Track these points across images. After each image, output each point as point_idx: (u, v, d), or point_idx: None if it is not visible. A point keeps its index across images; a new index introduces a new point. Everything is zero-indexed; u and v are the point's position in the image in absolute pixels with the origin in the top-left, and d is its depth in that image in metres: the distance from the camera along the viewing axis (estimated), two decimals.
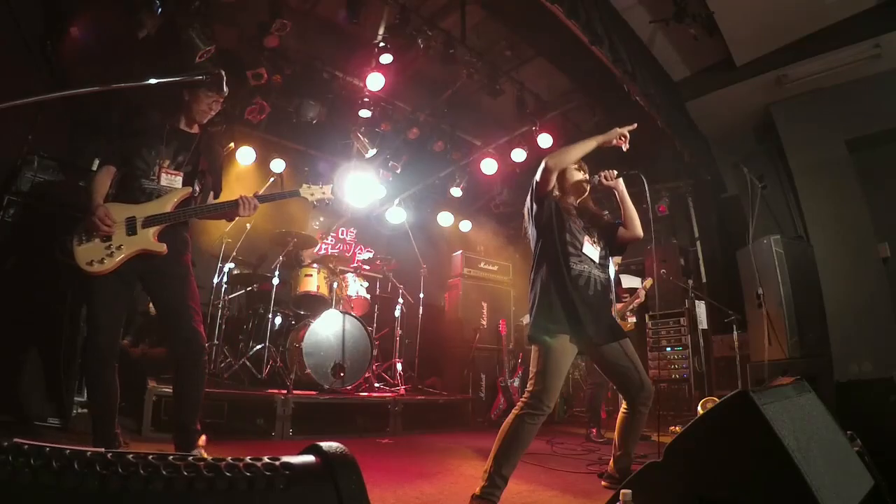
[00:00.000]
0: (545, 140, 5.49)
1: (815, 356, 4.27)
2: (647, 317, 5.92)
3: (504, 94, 5.13)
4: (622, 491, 1.33)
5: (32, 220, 2.91)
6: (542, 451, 3.57)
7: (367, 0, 4.11)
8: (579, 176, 2.45)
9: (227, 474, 0.50)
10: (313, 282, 4.81)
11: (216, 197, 2.56)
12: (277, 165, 5.99)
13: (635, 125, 2.38)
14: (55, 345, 2.86)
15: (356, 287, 5.15)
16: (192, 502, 0.48)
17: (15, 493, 0.42)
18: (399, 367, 5.15)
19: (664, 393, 5.41)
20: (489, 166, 6.21)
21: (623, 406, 2.39)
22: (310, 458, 0.58)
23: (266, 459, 0.54)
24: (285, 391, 3.82)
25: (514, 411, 2.13)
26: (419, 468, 2.95)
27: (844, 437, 1.70)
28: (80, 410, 3.13)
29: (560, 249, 2.27)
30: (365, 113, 5.37)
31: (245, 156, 5.70)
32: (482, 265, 6.57)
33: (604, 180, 2.44)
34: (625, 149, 2.35)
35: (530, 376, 2.18)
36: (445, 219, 7.51)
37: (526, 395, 2.14)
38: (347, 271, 5.32)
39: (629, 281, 5.46)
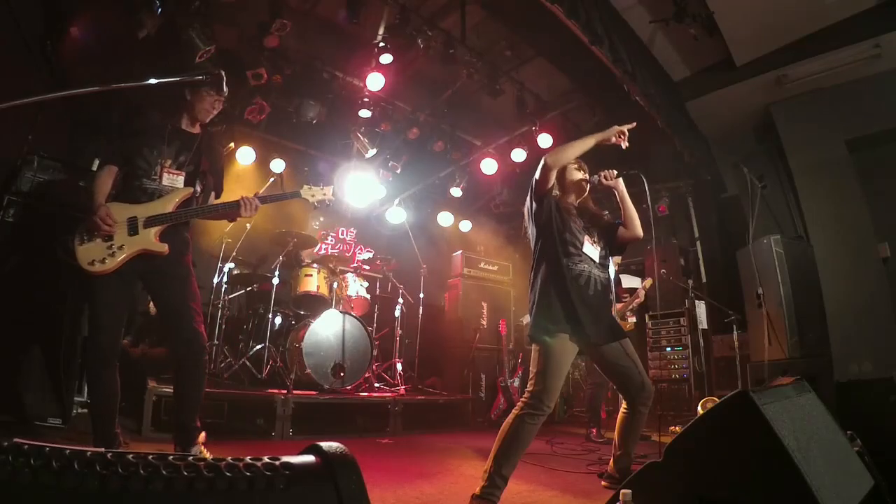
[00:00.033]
0: (545, 140, 5.49)
1: (815, 356, 4.27)
2: (647, 317, 5.92)
3: (504, 94, 5.13)
4: (622, 491, 1.33)
5: (32, 220, 2.91)
6: (542, 451, 3.57)
7: (367, 0, 4.11)
8: (579, 175, 2.45)
9: (227, 474, 0.50)
10: (313, 282, 4.81)
11: (217, 197, 2.56)
12: (277, 165, 5.99)
13: (634, 123, 2.38)
14: (55, 345, 2.86)
15: (356, 287, 5.15)
16: (192, 502, 0.48)
17: (15, 493, 0.42)
18: (399, 367, 5.15)
19: (664, 393, 5.41)
20: (489, 166, 6.21)
21: (623, 406, 2.39)
22: (310, 458, 0.58)
23: (266, 459, 0.54)
24: (285, 391, 3.82)
25: (515, 411, 2.13)
26: (419, 468, 2.95)
27: (844, 437, 1.70)
28: (80, 410, 3.13)
29: (560, 249, 2.27)
30: (365, 113, 5.37)
31: (245, 156, 5.70)
32: (482, 265, 6.57)
33: (604, 180, 2.44)
34: (624, 146, 2.35)
35: (530, 376, 2.18)
36: (445, 219, 7.51)
37: (526, 395, 2.14)
38: (347, 271, 5.32)
39: (629, 281, 5.46)
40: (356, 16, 4.06)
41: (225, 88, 2.40)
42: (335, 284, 4.77)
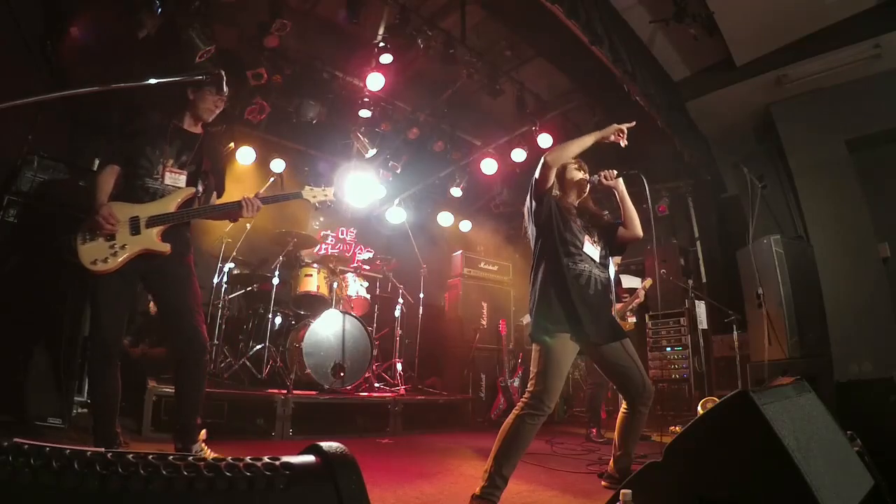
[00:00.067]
0: (545, 140, 5.49)
1: (815, 356, 4.27)
2: (647, 317, 5.92)
3: (504, 94, 5.13)
4: (622, 491, 1.32)
5: (32, 220, 2.91)
6: (542, 451, 3.57)
7: (367, 0, 4.11)
8: (579, 175, 2.45)
9: (227, 474, 0.50)
10: (313, 282, 4.81)
11: (219, 197, 2.57)
12: (277, 165, 5.99)
13: (633, 123, 2.38)
14: (55, 345, 2.86)
15: (356, 287, 5.15)
16: (192, 502, 0.48)
17: (15, 493, 0.42)
18: (399, 367, 5.15)
19: (664, 393, 5.41)
20: (489, 166, 6.21)
21: (623, 406, 2.38)
22: (310, 458, 0.58)
23: (266, 459, 0.54)
24: (285, 391, 3.82)
25: (515, 411, 2.13)
26: (419, 468, 2.95)
27: (844, 437, 1.70)
28: (80, 410, 3.13)
29: (560, 248, 2.27)
30: (365, 113, 5.37)
31: (245, 156, 5.70)
32: (482, 265, 6.57)
33: (603, 180, 2.44)
34: (623, 144, 2.35)
35: (531, 376, 2.18)
36: (445, 219, 7.51)
37: (526, 395, 2.14)
38: (347, 271, 5.32)
39: (629, 281, 5.46)
40: (356, 16, 4.06)
41: (225, 88, 2.41)
42: (335, 284, 4.77)
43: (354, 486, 0.56)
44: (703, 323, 5.50)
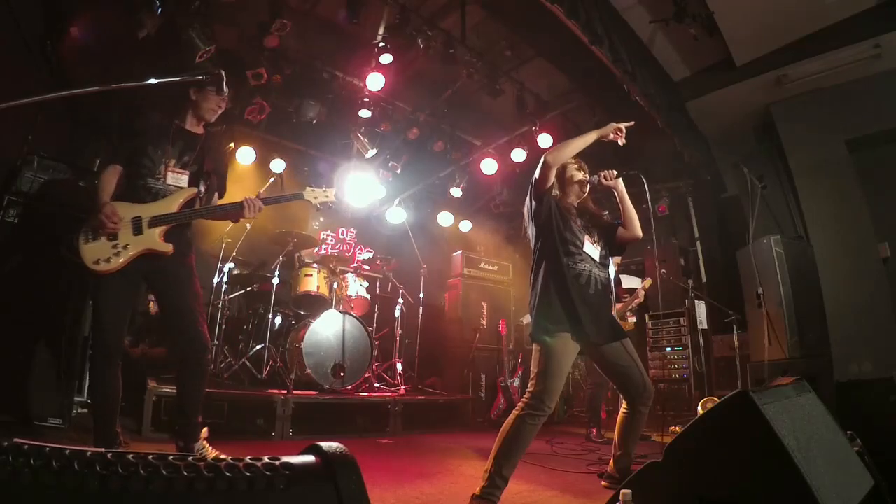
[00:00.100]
0: (545, 140, 5.49)
1: (815, 356, 4.27)
2: (647, 317, 5.92)
3: (504, 94, 5.13)
4: (622, 491, 1.33)
5: (32, 220, 2.91)
6: (542, 451, 3.57)
7: (367, 0, 4.11)
8: (579, 176, 2.45)
9: (227, 474, 0.50)
10: (313, 282, 4.81)
11: (221, 198, 2.58)
12: (277, 165, 5.99)
13: (632, 122, 2.38)
14: (56, 345, 2.87)
15: (356, 287, 5.15)
16: (192, 502, 0.48)
17: (15, 493, 0.42)
18: (399, 367, 5.15)
19: (664, 393, 5.40)
20: (489, 166, 6.21)
21: (623, 406, 2.38)
22: (310, 458, 0.58)
23: (266, 459, 0.54)
24: (285, 391, 3.82)
25: (515, 412, 2.13)
26: (419, 468, 2.95)
27: (844, 437, 1.70)
28: (80, 410, 3.13)
29: (560, 248, 2.27)
30: (365, 113, 5.37)
31: (245, 156, 5.70)
32: (482, 265, 6.57)
33: (603, 180, 2.44)
34: (621, 143, 2.35)
35: (531, 377, 2.18)
36: (445, 219, 7.51)
37: (527, 395, 2.14)
38: (347, 271, 5.32)
39: (629, 281, 5.46)
40: (356, 16, 4.05)
41: (226, 88, 2.41)
42: (335, 284, 4.77)
43: (354, 486, 0.56)
44: (703, 323, 5.50)
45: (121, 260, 2.18)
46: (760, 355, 4.53)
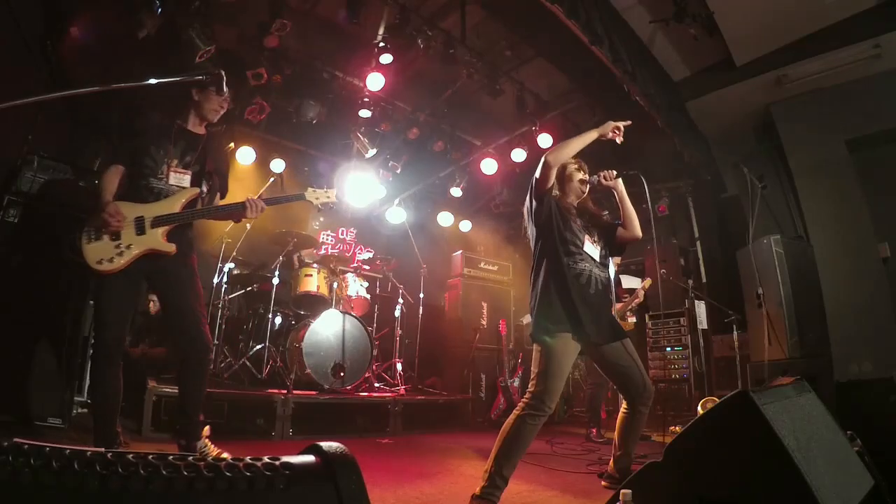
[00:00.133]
0: (545, 140, 5.49)
1: (815, 356, 4.27)
2: (647, 317, 5.92)
3: (504, 94, 5.13)
4: (622, 491, 1.32)
5: (32, 220, 2.91)
6: (542, 451, 3.57)
7: (367, 0, 4.11)
8: (579, 176, 2.45)
9: (227, 474, 0.50)
10: (313, 282, 4.81)
11: (222, 198, 2.59)
12: (277, 165, 5.99)
13: (629, 122, 2.38)
14: (56, 344, 2.87)
15: (356, 287, 5.15)
16: (192, 502, 0.48)
17: (15, 493, 0.42)
18: (399, 367, 5.15)
19: (664, 393, 5.40)
20: (489, 166, 6.21)
21: (623, 406, 2.38)
22: (310, 458, 0.58)
23: (266, 459, 0.54)
24: (285, 391, 3.82)
25: (516, 412, 2.13)
26: (419, 468, 2.95)
27: (844, 437, 1.70)
28: (80, 410, 3.14)
29: (560, 248, 2.27)
30: (365, 113, 5.37)
31: (245, 156, 5.70)
32: (482, 265, 6.57)
33: (603, 180, 2.44)
34: (619, 141, 2.35)
35: (532, 377, 2.18)
36: (445, 219, 7.51)
37: (527, 395, 2.14)
38: (347, 271, 5.32)
39: (629, 281, 5.46)
40: (356, 16, 4.05)
41: (226, 88, 2.41)
42: (335, 284, 4.77)
43: (354, 486, 0.56)
44: (703, 323, 5.50)
45: (124, 260, 2.19)
46: (760, 355, 4.53)
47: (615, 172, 2.45)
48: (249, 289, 5.06)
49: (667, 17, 4.12)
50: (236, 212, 2.42)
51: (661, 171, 6.08)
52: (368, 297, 5.35)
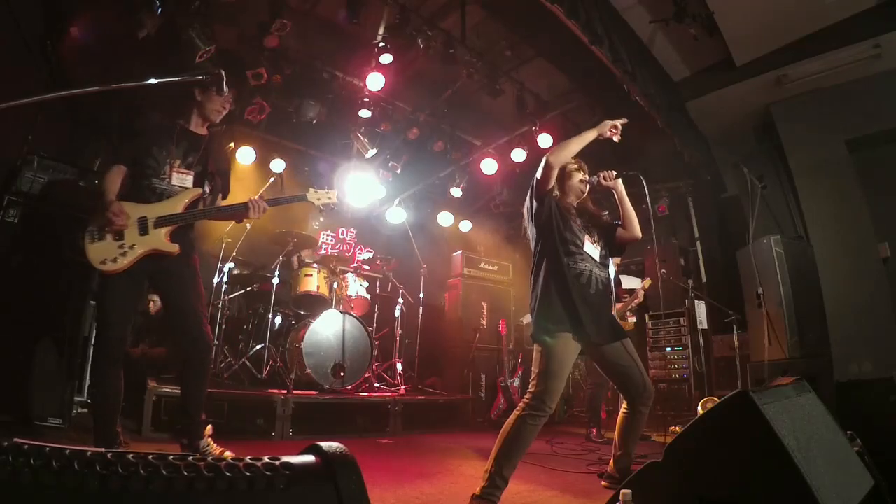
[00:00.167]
0: (545, 140, 5.49)
1: (815, 356, 4.27)
2: (647, 317, 5.91)
3: (504, 94, 5.12)
4: (622, 491, 1.32)
5: (32, 220, 2.91)
6: (542, 451, 3.57)
7: (367, 0, 4.11)
8: (579, 176, 2.45)
9: (227, 474, 0.50)
10: (313, 282, 4.81)
11: (224, 198, 2.60)
12: (277, 165, 5.99)
13: (626, 119, 2.38)
14: (56, 345, 2.87)
15: (356, 287, 5.15)
16: (192, 502, 0.48)
17: (15, 493, 0.42)
18: (399, 367, 5.15)
19: (664, 393, 5.40)
20: (489, 166, 6.21)
21: (623, 406, 2.38)
22: (310, 458, 0.58)
23: (266, 459, 0.54)
24: (285, 391, 3.82)
25: (516, 412, 2.13)
26: (419, 468, 2.95)
27: (844, 437, 1.70)
28: (80, 410, 3.14)
29: (561, 248, 2.27)
30: (365, 113, 5.37)
31: (245, 156, 5.70)
32: (482, 265, 6.57)
33: (603, 181, 2.44)
34: (616, 139, 2.36)
35: (532, 377, 2.18)
36: (445, 219, 7.51)
37: (528, 395, 2.14)
38: (347, 271, 5.32)
39: (629, 282, 5.46)
40: (356, 16, 4.05)
41: (225, 88, 2.42)
42: (335, 284, 4.77)
43: (354, 486, 0.56)
44: (703, 323, 5.49)
45: (127, 260, 2.20)
46: (760, 355, 4.53)
47: (615, 173, 2.45)
48: (249, 289, 5.06)
49: (667, 17, 4.12)
50: (239, 212, 2.43)
51: (661, 171, 6.07)
52: (368, 297, 5.34)
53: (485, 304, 6.27)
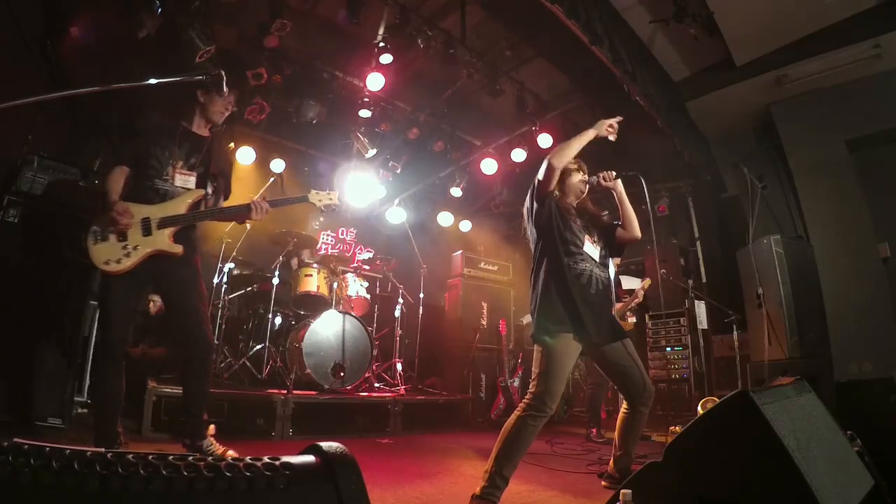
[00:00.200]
0: (545, 140, 5.49)
1: (815, 356, 4.27)
2: (647, 317, 5.91)
3: (504, 94, 5.12)
4: (622, 491, 1.32)
5: (32, 220, 2.91)
6: (542, 451, 3.57)
7: (367, 0, 4.11)
8: (579, 176, 2.45)
9: (227, 474, 0.50)
10: (313, 282, 4.81)
11: (226, 199, 2.61)
12: (277, 165, 5.98)
13: (621, 118, 2.39)
14: (56, 345, 2.87)
15: (356, 287, 5.15)
16: (192, 502, 0.48)
17: (15, 493, 0.42)
18: (399, 367, 5.15)
19: (664, 393, 5.40)
20: (489, 166, 6.21)
21: (623, 406, 2.38)
22: (310, 458, 0.58)
23: (266, 459, 0.54)
24: (285, 391, 3.82)
25: (517, 412, 2.13)
26: (419, 468, 2.95)
27: (844, 437, 1.70)
28: (80, 410, 3.13)
29: (561, 248, 2.28)
30: (365, 113, 5.37)
31: (245, 156, 5.70)
32: (482, 265, 6.57)
33: (602, 181, 2.45)
34: (612, 139, 2.36)
35: (532, 377, 2.18)
36: (445, 219, 7.51)
37: (528, 396, 2.14)
38: (347, 271, 5.32)
39: (629, 282, 5.46)
40: (356, 16, 4.05)
41: (225, 88, 2.42)
42: (335, 284, 4.77)
43: (354, 486, 0.56)
44: (703, 323, 5.49)
45: (131, 261, 2.21)
46: (760, 355, 4.53)
47: (614, 173, 2.46)
48: (249, 289, 5.06)
49: (667, 17, 4.12)
50: (241, 214, 2.44)
51: (661, 171, 6.07)
52: (368, 297, 5.34)
53: (485, 304, 6.27)
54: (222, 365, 4.43)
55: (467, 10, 4.54)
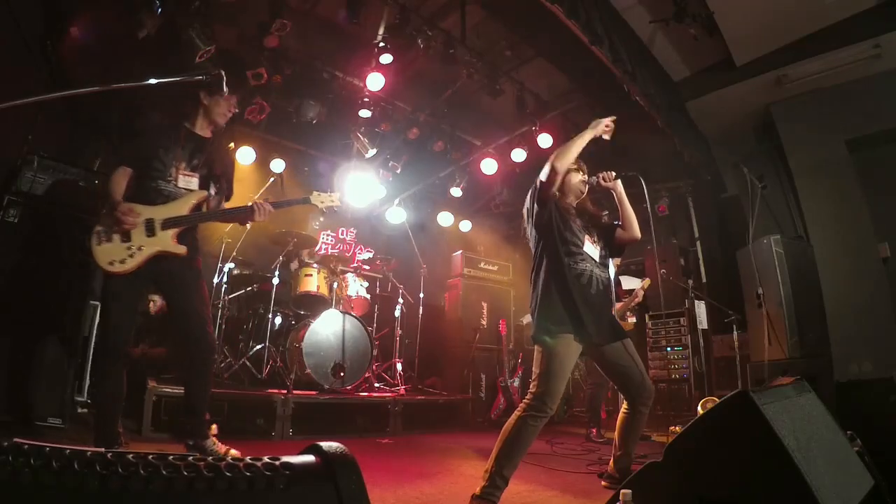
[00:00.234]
0: (545, 140, 5.49)
1: (815, 356, 4.27)
2: (647, 317, 5.91)
3: (504, 94, 5.12)
4: (622, 491, 1.33)
5: (32, 220, 2.91)
6: (542, 451, 3.56)
7: (367, 0, 4.11)
8: (579, 176, 2.46)
9: (227, 474, 0.50)
10: (313, 282, 4.81)
11: (227, 200, 2.61)
12: (277, 165, 5.98)
13: (615, 117, 2.40)
14: (55, 344, 2.87)
15: (356, 287, 5.15)
16: (192, 502, 0.48)
17: (15, 493, 0.42)
18: (399, 367, 5.15)
19: (664, 393, 5.40)
20: (489, 166, 6.21)
21: (623, 406, 2.39)
22: (310, 458, 0.58)
23: (266, 459, 0.54)
24: (285, 391, 3.82)
25: (517, 412, 2.13)
26: (419, 468, 2.95)
27: (844, 437, 1.70)
28: (80, 410, 3.13)
29: (561, 248, 2.28)
30: (365, 113, 5.37)
31: (245, 156, 5.70)
32: (482, 265, 6.57)
33: (602, 181, 2.45)
34: (606, 137, 2.37)
35: (533, 377, 2.18)
36: (445, 219, 7.51)
37: (529, 396, 2.14)
38: (347, 271, 5.32)
39: (629, 283, 5.45)
40: (356, 16, 4.05)
41: (226, 88, 2.42)
42: (335, 284, 4.77)
43: (354, 486, 0.56)
44: (703, 323, 5.49)
45: (135, 261, 2.21)
46: (760, 355, 4.53)
47: (614, 173, 2.46)
48: (249, 289, 5.06)
49: (667, 17, 4.12)
50: (244, 215, 2.45)
51: (661, 171, 6.07)
52: (368, 297, 5.34)
53: (485, 304, 6.27)
54: (222, 365, 4.42)
55: (467, 10, 4.54)
